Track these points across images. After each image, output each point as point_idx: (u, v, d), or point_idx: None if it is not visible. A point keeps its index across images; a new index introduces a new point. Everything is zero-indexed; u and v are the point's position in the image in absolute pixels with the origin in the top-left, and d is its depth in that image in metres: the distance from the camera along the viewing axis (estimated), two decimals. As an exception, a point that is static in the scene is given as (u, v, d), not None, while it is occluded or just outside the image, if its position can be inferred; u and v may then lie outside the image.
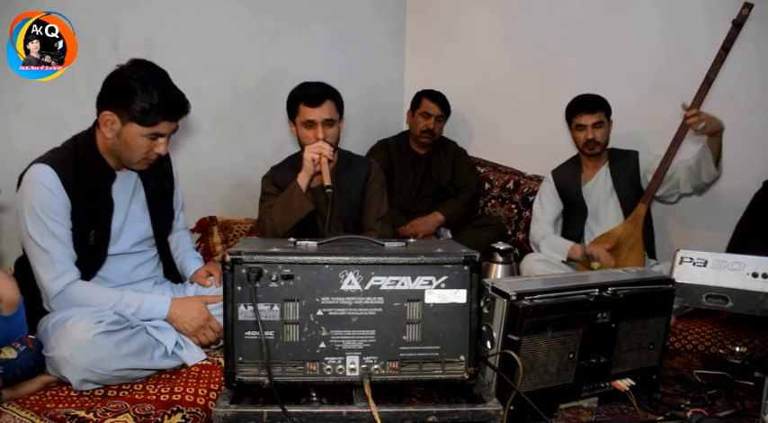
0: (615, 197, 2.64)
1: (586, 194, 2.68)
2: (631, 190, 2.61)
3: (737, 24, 2.27)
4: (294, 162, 2.37)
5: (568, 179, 2.72)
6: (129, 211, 1.83)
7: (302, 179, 2.13)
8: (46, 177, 1.63)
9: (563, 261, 2.57)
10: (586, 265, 2.47)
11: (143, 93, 1.61)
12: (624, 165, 2.63)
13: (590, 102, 2.58)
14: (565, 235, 2.70)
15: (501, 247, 2.23)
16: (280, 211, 2.13)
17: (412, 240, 1.55)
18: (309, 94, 2.17)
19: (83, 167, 1.70)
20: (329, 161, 2.16)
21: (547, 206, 2.74)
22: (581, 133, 2.59)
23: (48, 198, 1.63)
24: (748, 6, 2.25)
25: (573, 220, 2.71)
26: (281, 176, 2.32)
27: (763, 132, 2.58)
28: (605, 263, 2.41)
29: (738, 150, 2.48)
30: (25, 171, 1.68)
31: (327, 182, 2.09)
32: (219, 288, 1.89)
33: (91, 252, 1.74)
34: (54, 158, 1.68)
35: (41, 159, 1.67)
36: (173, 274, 2.03)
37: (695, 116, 2.24)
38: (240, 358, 1.32)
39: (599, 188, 2.67)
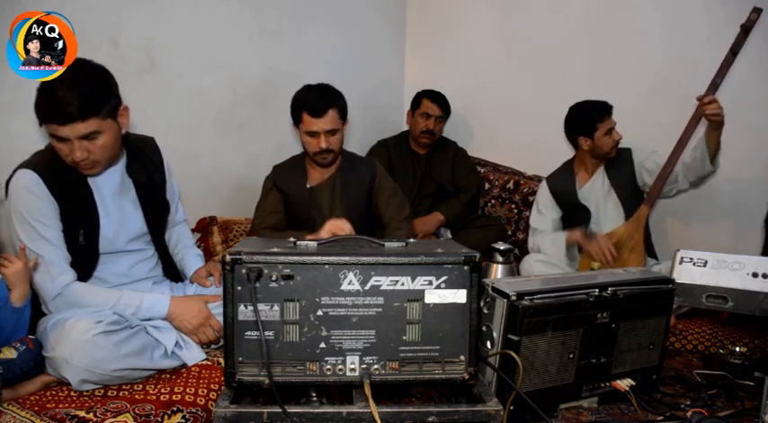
0: (614, 197, 2.62)
1: (584, 198, 2.66)
2: (629, 188, 2.60)
3: (746, 29, 2.25)
4: (297, 163, 2.39)
5: (563, 184, 2.70)
6: (119, 207, 1.81)
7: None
8: (30, 181, 1.63)
9: (567, 263, 2.56)
10: (587, 263, 2.47)
11: (37, 94, 1.57)
12: (619, 163, 2.61)
13: (607, 105, 2.54)
14: None
15: (501, 247, 2.24)
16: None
17: (412, 240, 1.55)
18: (312, 104, 2.18)
19: (62, 167, 1.68)
20: (339, 167, 2.18)
21: (546, 213, 2.72)
22: (610, 138, 2.53)
23: (34, 202, 1.63)
24: (757, 11, 2.23)
25: (575, 224, 2.70)
26: (281, 176, 2.34)
27: (763, 133, 2.58)
28: (602, 243, 2.42)
29: (739, 151, 2.48)
30: (11, 177, 1.67)
31: None
32: (219, 287, 1.89)
33: (82, 252, 1.73)
34: (36, 162, 1.68)
35: (24, 164, 1.67)
36: (172, 272, 2.03)
37: (713, 102, 2.20)
38: (240, 358, 1.32)
39: (597, 190, 2.65)
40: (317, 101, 2.18)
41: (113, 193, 1.80)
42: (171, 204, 2.01)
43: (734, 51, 2.28)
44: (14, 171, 1.67)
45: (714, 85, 2.29)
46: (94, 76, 1.64)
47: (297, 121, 2.25)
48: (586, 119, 2.56)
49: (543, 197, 2.75)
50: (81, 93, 1.56)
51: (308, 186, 2.35)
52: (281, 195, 2.37)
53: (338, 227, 1.90)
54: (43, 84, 1.56)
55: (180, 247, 2.10)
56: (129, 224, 1.84)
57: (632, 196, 2.58)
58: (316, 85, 2.26)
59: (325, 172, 2.35)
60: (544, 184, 2.76)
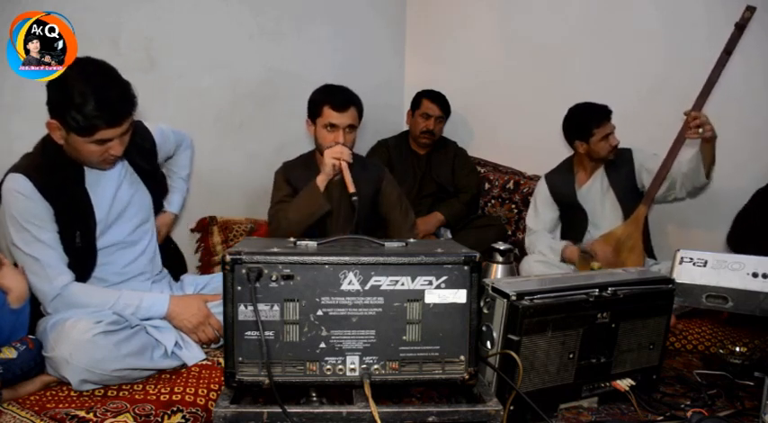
0: (612, 197, 2.62)
1: (583, 198, 2.65)
2: (628, 188, 2.59)
3: (740, 27, 2.24)
4: (308, 161, 2.42)
5: (562, 183, 2.69)
6: (115, 198, 1.80)
7: (321, 181, 2.18)
8: (21, 185, 1.62)
9: (562, 261, 2.56)
10: (586, 263, 2.46)
11: (78, 102, 1.52)
12: (619, 164, 2.60)
13: (606, 109, 2.51)
14: (565, 240, 2.68)
15: (501, 247, 2.23)
16: (296, 210, 2.18)
17: (412, 240, 1.55)
18: (336, 99, 2.23)
19: (53, 169, 1.67)
20: (349, 165, 2.19)
21: (542, 211, 2.71)
22: (607, 142, 2.50)
23: (26, 206, 1.62)
24: (750, 10, 2.23)
25: (573, 225, 2.69)
26: (294, 174, 2.37)
27: (762, 133, 2.58)
28: (602, 257, 2.41)
29: (738, 151, 2.48)
30: (1, 182, 1.66)
31: (351, 189, 2.12)
32: (219, 287, 1.89)
33: (80, 253, 1.73)
34: (25, 165, 1.67)
35: (14, 168, 1.66)
36: (171, 263, 2.03)
37: (698, 119, 2.20)
38: (240, 358, 1.32)
39: (596, 190, 2.65)
40: (341, 96, 2.25)
41: (111, 186, 1.79)
42: (171, 151, 2.13)
43: (728, 50, 2.26)
44: (5, 176, 1.66)
45: (710, 85, 2.27)
46: (110, 68, 1.65)
47: (315, 115, 2.27)
48: (583, 123, 2.53)
49: (541, 195, 2.74)
50: (124, 87, 1.61)
51: None
52: (293, 192, 2.38)
53: (337, 151, 2.16)
54: (79, 93, 1.53)
55: (174, 177, 2.20)
56: (128, 212, 1.84)
57: (631, 197, 2.57)
58: (336, 85, 2.32)
59: None
60: (543, 182, 2.75)
